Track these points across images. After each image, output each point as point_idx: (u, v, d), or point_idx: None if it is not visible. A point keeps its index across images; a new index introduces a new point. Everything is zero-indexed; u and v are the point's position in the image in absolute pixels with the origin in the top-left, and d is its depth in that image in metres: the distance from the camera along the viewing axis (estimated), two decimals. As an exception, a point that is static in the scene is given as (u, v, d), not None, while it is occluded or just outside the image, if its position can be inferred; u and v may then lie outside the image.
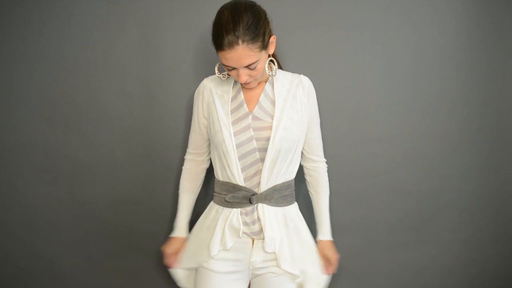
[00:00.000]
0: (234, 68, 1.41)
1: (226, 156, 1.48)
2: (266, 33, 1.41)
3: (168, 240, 1.64)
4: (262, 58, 1.41)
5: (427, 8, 1.85)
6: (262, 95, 1.52)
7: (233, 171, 1.48)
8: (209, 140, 1.62)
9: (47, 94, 1.77)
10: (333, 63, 1.83)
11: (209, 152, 1.66)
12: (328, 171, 1.84)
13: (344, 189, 1.85)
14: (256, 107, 1.51)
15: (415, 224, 1.88)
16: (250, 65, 1.39)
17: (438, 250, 1.90)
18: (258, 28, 1.37)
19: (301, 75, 1.60)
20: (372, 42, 1.84)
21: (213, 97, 1.54)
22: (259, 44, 1.38)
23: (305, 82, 1.57)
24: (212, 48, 1.74)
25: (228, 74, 1.53)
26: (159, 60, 1.78)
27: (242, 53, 1.35)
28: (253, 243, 1.50)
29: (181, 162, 1.73)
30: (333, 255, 1.61)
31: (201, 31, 1.77)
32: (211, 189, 1.76)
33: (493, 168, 1.91)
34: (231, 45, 1.34)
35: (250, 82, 1.48)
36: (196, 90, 1.61)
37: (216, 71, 1.51)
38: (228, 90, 1.54)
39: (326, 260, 1.60)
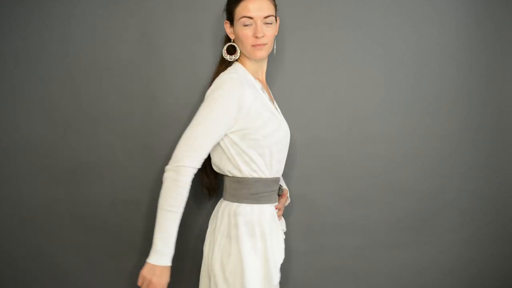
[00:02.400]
0: (251, 25, 1.47)
1: (280, 144, 1.51)
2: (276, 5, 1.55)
3: (156, 271, 1.32)
4: (274, 25, 1.51)
5: (427, 8, 1.85)
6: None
7: (281, 161, 1.54)
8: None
9: (47, 94, 1.77)
10: (333, 63, 1.83)
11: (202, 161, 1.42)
12: (328, 171, 1.84)
13: (344, 189, 1.85)
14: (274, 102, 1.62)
15: (415, 224, 1.88)
16: (268, 17, 1.47)
17: (438, 250, 1.90)
18: None
19: None
20: (372, 42, 1.84)
21: (259, 95, 1.47)
22: (275, 5, 1.52)
23: None
24: (212, 48, 1.75)
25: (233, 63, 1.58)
26: (160, 60, 1.78)
27: (265, 3, 1.47)
28: None
29: (181, 162, 1.72)
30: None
31: (201, 31, 1.77)
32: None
33: (493, 168, 1.91)
34: None
35: (262, 49, 1.49)
36: (229, 86, 1.40)
37: (225, 53, 1.55)
38: (258, 87, 1.50)
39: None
